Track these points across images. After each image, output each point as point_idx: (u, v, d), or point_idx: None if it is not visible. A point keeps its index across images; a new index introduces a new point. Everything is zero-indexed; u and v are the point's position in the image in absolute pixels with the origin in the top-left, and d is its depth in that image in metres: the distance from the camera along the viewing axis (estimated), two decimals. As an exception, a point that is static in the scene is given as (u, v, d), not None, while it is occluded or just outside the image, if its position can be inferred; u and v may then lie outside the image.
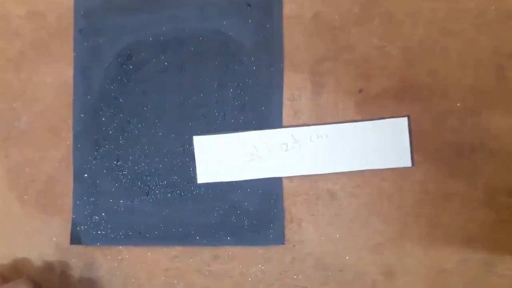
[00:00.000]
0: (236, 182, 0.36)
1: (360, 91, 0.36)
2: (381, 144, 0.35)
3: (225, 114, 0.37)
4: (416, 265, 0.35)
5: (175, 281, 0.37)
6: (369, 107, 0.36)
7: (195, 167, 0.37)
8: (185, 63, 0.38)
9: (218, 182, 0.37)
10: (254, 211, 0.36)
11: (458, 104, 0.35)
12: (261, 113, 0.37)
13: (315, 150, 0.36)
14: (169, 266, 0.37)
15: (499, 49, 0.35)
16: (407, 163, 0.35)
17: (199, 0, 0.38)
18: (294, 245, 0.36)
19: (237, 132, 0.37)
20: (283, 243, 0.36)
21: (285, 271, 0.36)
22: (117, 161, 0.38)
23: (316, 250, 0.36)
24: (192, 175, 0.37)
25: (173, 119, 0.38)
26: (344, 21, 0.36)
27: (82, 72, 0.39)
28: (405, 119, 0.35)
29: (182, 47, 0.38)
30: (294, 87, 0.37)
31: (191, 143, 0.37)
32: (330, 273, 0.36)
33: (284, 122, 0.36)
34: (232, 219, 0.37)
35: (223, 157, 0.37)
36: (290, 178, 0.36)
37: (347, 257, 0.36)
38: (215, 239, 0.36)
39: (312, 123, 0.36)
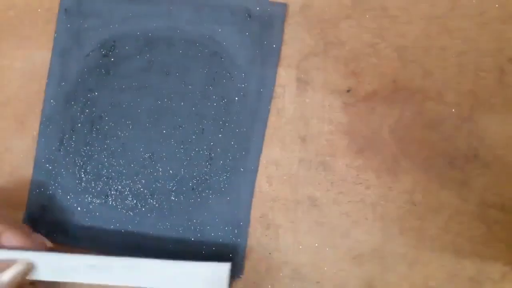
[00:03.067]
0: (203, 204, 0.33)
1: (349, 90, 0.33)
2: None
3: (203, 129, 0.34)
4: (399, 280, 0.33)
5: None
6: (357, 108, 0.33)
7: (163, 178, 0.34)
8: (171, 66, 0.34)
9: (183, 201, 0.33)
10: (216, 237, 0.33)
11: (453, 110, 0.32)
12: (242, 134, 0.33)
13: None
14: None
15: (501, 51, 0.32)
16: None
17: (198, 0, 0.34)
18: (270, 253, 0.33)
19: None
20: (241, 275, 0.33)
21: (259, 281, 0.33)
22: (81, 157, 0.35)
23: (293, 259, 0.33)
24: (157, 186, 0.34)
25: (147, 123, 0.34)
26: (334, 14, 0.33)
27: (61, 55, 0.36)
28: (227, 266, 0.31)
29: (170, 48, 0.34)
30: (278, 83, 0.33)
31: (162, 153, 0.34)
32: (306, 284, 0.33)
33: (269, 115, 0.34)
34: (192, 241, 0.33)
35: None
36: (269, 181, 0.34)
37: (325, 268, 0.33)
38: (172, 259, 0.32)
39: (295, 123, 0.34)
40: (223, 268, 0.31)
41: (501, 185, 0.32)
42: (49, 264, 0.30)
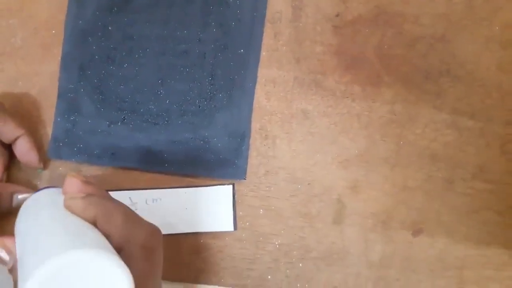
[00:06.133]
0: (208, 119, 0.38)
1: (337, 15, 0.38)
2: (208, 209, 0.37)
3: (205, 53, 0.38)
4: (381, 181, 0.37)
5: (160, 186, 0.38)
6: (345, 30, 0.37)
7: (173, 100, 0.38)
8: None
9: (191, 118, 0.38)
10: (222, 147, 0.37)
11: (429, 31, 0.37)
12: (240, 55, 0.38)
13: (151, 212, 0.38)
14: (152, 176, 0.39)
15: (470, -21, 0.37)
16: (230, 227, 0.37)
17: None
18: (268, 160, 0.38)
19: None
20: (244, 178, 0.37)
21: (259, 183, 0.38)
22: (99, 85, 0.39)
23: (287, 164, 0.37)
24: (167, 107, 0.38)
25: (156, 52, 0.38)
26: None
27: (77, -1, 0.41)
28: (230, 187, 0.37)
29: None
30: (275, 9, 0.38)
31: (170, 77, 0.38)
32: (299, 186, 0.37)
33: (264, 45, 0.38)
34: (201, 151, 0.38)
35: None
36: (267, 97, 0.39)
37: (316, 172, 0.37)
38: (183, 168, 0.38)
39: (290, 45, 0.38)
40: (228, 188, 0.37)
41: (471, 96, 0.36)
42: None
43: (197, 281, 0.37)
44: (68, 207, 0.27)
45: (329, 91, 0.37)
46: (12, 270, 0.28)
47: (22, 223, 0.28)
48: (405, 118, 0.36)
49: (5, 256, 0.28)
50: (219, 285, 0.37)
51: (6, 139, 0.35)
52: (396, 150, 0.36)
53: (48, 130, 0.39)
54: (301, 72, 0.37)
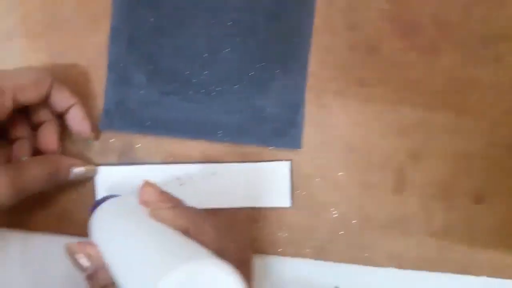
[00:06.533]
0: (261, 89, 0.37)
1: (393, -19, 0.37)
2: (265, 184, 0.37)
3: (256, 21, 0.38)
4: (442, 149, 0.36)
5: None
6: (401, -4, 0.37)
7: (225, 70, 0.38)
8: None
9: (244, 88, 0.37)
10: (276, 117, 0.37)
11: (487, -5, 0.37)
12: (293, 23, 0.37)
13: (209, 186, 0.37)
14: (205, 149, 0.38)
15: None
16: (287, 204, 0.37)
17: None
18: (323, 129, 0.37)
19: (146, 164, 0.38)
20: (299, 148, 0.37)
21: (315, 152, 0.36)
22: (150, 57, 0.38)
23: (344, 134, 0.36)
24: (219, 77, 0.38)
25: (206, 22, 0.38)
26: None
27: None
28: (288, 163, 0.37)
29: None
30: None
31: (221, 47, 0.38)
32: (357, 155, 0.36)
33: (317, 12, 0.37)
34: (255, 121, 0.37)
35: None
36: (322, 66, 0.38)
37: (374, 140, 0.37)
38: (238, 138, 0.37)
39: (344, 11, 0.37)
40: (286, 164, 0.37)
41: (531, 61, 0.36)
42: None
43: (253, 251, 0.36)
44: (155, 216, 0.26)
45: (385, 58, 0.36)
46: (92, 277, 0.27)
47: (105, 233, 0.28)
48: (464, 85, 0.36)
49: (86, 263, 0.27)
50: (277, 255, 0.36)
51: (60, 107, 0.35)
52: (456, 117, 0.36)
53: (98, 102, 0.38)
54: (356, 39, 0.37)
